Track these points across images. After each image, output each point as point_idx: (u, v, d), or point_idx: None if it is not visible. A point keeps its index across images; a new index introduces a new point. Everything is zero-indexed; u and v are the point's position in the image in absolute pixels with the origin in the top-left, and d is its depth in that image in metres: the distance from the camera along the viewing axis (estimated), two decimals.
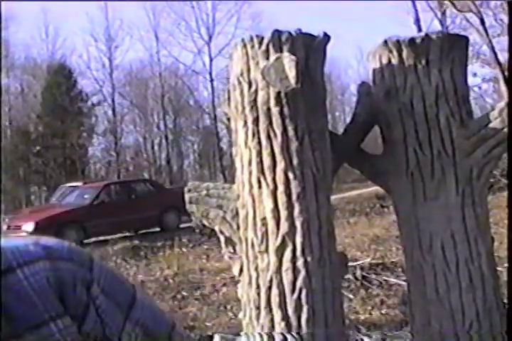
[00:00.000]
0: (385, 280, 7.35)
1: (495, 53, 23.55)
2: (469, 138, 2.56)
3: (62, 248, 0.98)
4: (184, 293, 8.14)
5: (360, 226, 13.06)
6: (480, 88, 27.26)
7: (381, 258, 8.50)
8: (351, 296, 6.76)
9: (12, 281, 0.89)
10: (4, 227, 16.77)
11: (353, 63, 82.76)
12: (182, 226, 17.49)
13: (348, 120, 2.89)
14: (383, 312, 6.32)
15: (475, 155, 2.55)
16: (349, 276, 7.03)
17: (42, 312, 0.89)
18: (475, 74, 24.52)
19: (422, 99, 2.61)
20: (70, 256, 0.97)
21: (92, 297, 0.95)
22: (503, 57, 22.30)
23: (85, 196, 17.84)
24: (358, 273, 7.44)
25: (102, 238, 15.87)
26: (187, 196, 2.83)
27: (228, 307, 7.14)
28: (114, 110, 42.73)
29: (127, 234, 17.22)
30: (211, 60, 41.23)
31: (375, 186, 3.12)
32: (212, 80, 41.25)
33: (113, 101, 42.67)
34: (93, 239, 15.91)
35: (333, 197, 2.55)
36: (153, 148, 45.42)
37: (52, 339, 0.89)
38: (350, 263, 2.84)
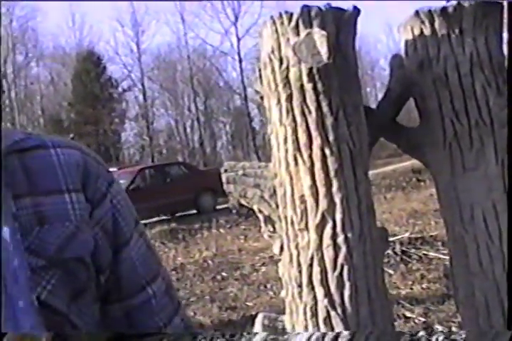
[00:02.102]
0: (425, 254, 7.32)
1: None
2: (506, 106, 2.52)
3: (97, 156, 1.10)
4: (224, 274, 8.19)
5: (398, 201, 13.01)
6: None
7: (420, 232, 8.46)
8: (391, 271, 6.75)
9: (41, 154, 1.01)
10: None
11: (381, 38, 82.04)
12: (218, 207, 17.61)
13: (380, 95, 2.86)
14: (424, 286, 6.30)
15: None
16: (388, 251, 7.01)
17: (61, 182, 0.99)
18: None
19: (456, 69, 2.55)
20: (101, 162, 1.09)
21: (110, 192, 1.06)
22: None
23: (121, 181, 17.93)
24: (398, 248, 7.42)
25: None
26: (224, 176, 2.83)
27: (268, 286, 7.18)
28: (144, 94, 42.96)
29: (164, 217, 17.34)
30: (238, 40, 41.22)
31: (410, 160, 3.10)
32: (240, 60, 41.27)
33: (143, 85, 42.87)
34: None
35: (368, 173, 2.52)
36: (185, 130, 45.60)
37: (63, 209, 0.98)
38: (389, 239, 2.83)
